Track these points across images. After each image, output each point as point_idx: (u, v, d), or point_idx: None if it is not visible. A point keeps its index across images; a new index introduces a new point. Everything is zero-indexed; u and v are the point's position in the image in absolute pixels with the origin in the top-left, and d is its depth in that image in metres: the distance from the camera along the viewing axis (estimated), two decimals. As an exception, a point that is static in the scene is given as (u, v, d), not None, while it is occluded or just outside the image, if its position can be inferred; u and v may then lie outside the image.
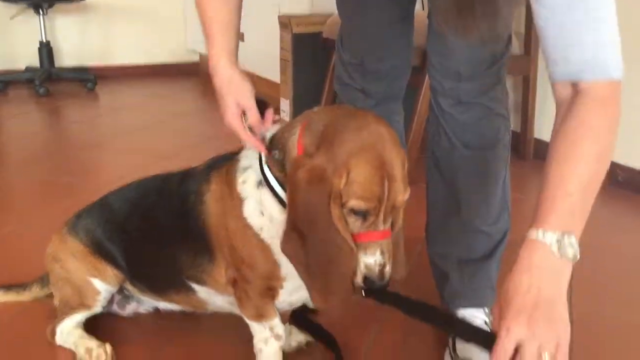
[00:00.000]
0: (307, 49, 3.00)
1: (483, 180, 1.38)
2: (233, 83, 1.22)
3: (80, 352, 1.36)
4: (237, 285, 1.21)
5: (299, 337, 1.41)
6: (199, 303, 1.36)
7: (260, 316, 1.22)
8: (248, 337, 1.28)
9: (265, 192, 1.12)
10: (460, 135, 1.35)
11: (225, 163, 1.21)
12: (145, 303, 1.49)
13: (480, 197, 1.39)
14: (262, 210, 1.13)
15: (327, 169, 0.99)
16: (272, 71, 3.53)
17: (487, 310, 1.42)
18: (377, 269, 1.02)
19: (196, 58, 5.01)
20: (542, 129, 2.89)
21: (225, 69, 1.23)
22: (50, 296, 1.53)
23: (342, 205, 1.00)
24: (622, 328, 1.58)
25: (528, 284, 0.88)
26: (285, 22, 3.00)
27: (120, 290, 1.45)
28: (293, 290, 1.20)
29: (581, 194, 0.93)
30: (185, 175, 1.29)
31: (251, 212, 1.14)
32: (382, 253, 1.02)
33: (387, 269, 1.03)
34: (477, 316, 1.41)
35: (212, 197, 1.20)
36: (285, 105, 3.11)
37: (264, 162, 1.13)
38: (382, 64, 1.47)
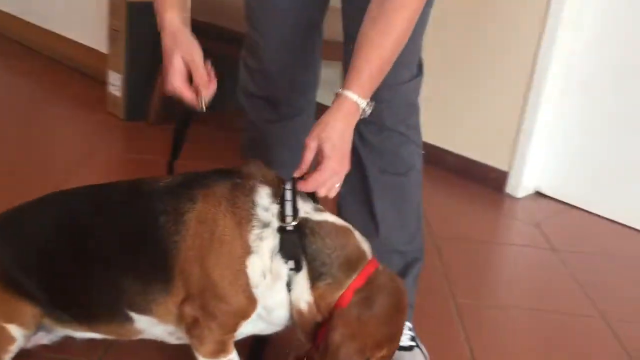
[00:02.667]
0: (143, 19, 2.74)
1: (399, 203, 1.46)
2: (182, 39, 1.16)
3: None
4: (197, 322, 1.10)
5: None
6: (131, 332, 1.21)
7: (220, 352, 1.14)
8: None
9: (277, 265, 1.07)
10: (377, 161, 1.41)
11: (219, 184, 1.11)
12: (55, 333, 1.27)
13: (396, 219, 1.46)
14: (265, 273, 1.07)
15: (369, 341, 1.08)
16: (95, 39, 3.21)
17: (408, 324, 1.48)
18: None
19: None
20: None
21: (173, 24, 1.17)
22: None
23: None
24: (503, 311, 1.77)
25: (343, 132, 1.14)
26: (118, -12, 2.72)
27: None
28: (249, 322, 1.15)
29: (389, 60, 1.16)
30: (144, 191, 1.14)
31: (254, 268, 1.07)
32: None
33: None
34: None
35: (196, 218, 1.08)
36: (116, 79, 2.84)
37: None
38: (292, 72, 1.43)
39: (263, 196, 1.10)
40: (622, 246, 2.29)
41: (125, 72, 2.81)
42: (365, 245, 1.14)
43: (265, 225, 1.08)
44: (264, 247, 1.07)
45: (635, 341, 1.70)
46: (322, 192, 1.12)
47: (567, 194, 2.57)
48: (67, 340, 1.32)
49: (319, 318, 1.10)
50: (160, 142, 2.75)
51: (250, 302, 1.09)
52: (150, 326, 1.18)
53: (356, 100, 1.13)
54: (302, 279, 1.08)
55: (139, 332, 1.20)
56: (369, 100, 1.15)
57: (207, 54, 1.18)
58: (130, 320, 1.16)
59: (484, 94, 2.61)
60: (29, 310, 1.17)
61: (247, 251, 1.07)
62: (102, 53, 3.05)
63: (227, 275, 1.07)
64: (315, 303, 1.09)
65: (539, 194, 2.64)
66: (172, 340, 1.19)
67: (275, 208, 1.09)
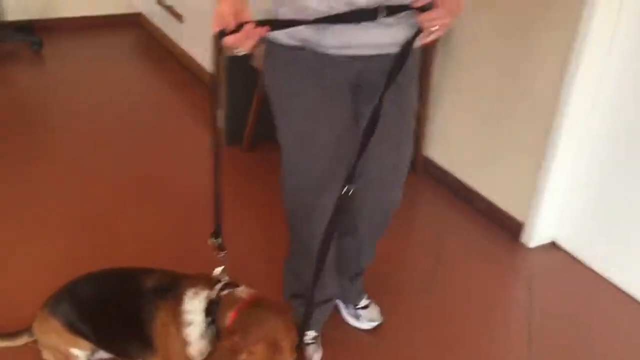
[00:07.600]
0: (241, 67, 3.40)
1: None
2: None
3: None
4: None
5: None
6: None
7: None
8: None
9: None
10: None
11: (169, 299, 1.76)
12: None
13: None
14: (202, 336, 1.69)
15: (241, 346, 1.55)
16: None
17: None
18: None
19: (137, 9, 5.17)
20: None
21: None
22: (37, 342, 2.07)
23: None
24: None
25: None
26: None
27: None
28: None
29: None
30: (138, 289, 1.84)
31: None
32: None
33: None
34: None
35: (161, 321, 1.77)
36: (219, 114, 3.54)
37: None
38: None
39: (194, 303, 1.71)
40: (618, 315, 2.51)
41: (226, 106, 3.52)
42: (245, 292, 1.68)
43: (190, 323, 1.70)
44: (194, 333, 1.69)
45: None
46: (429, 26, 1.67)
47: (580, 248, 2.81)
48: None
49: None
50: (250, 167, 3.45)
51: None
52: None
53: None
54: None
55: None
56: None
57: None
58: None
59: (506, 140, 2.88)
60: (84, 343, 1.97)
61: (185, 343, 1.72)
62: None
63: (176, 347, 1.75)
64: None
65: (553, 245, 2.92)
66: None
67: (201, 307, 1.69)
